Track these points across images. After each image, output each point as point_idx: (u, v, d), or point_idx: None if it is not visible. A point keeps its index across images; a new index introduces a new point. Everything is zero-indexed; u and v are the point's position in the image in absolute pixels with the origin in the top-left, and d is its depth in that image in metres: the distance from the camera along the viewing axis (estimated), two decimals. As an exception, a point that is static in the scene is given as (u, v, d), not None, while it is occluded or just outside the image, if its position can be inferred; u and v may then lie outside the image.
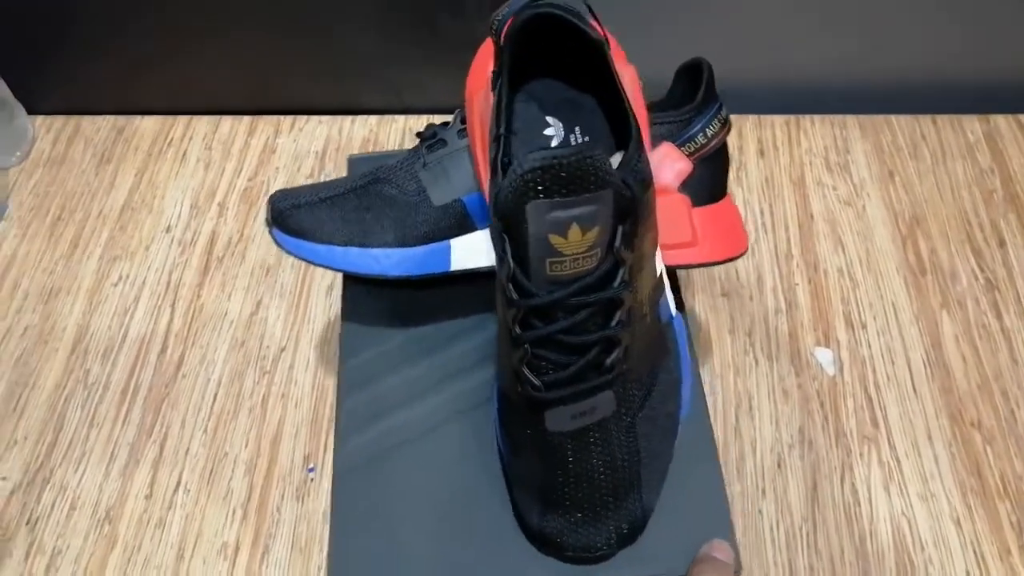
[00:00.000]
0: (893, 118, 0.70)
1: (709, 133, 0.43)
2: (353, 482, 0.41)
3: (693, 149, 0.43)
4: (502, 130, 0.34)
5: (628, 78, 0.38)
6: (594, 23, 0.38)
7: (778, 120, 0.70)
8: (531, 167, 0.29)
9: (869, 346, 0.56)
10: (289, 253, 0.43)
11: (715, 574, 0.37)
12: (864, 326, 0.57)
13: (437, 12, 0.63)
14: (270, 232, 0.44)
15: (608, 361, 0.33)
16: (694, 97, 0.43)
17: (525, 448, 0.37)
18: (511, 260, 0.31)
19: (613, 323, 0.33)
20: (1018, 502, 0.50)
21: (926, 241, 0.62)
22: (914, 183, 0.65)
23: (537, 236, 0.30)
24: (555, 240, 0.30)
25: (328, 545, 0.40)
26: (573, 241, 0.30)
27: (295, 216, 0.43)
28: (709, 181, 0.44)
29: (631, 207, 0.31)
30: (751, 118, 0.70)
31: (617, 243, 0.31)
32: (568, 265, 0.31)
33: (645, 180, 0.32)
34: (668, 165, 0.42)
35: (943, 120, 0.69)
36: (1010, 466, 0.51)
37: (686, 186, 0.43)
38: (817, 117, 0.70)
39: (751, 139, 0.69)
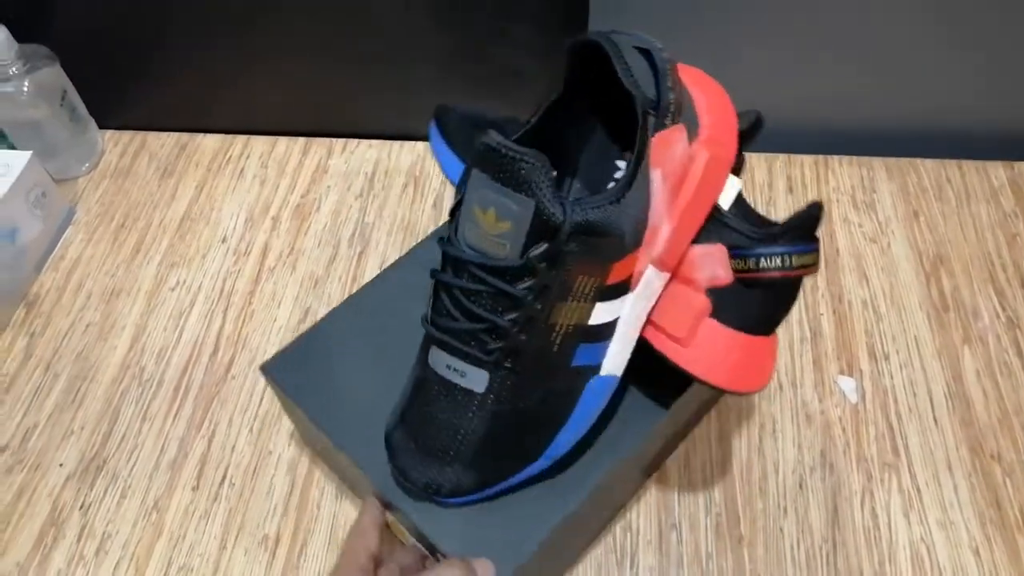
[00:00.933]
0: (919, 161, 0.72)
1: (771, 264, 0.39)
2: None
3: (743, 267, 0.40)
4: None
5: (706, 99, 0.41)
6: (654, 60, 0.40)
7: (807, 159, 0.73)
8: (485, 143, 0.34)
9: (891, 377, 0.58)
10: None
11: (454, 571, 0.37)
12: (887, 357, 0.59)
13: (487, 43, 0.67)
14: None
15: (491, 347, 0.37)
16: (799, 227, 0.40)
17: (417, 362, 0.41)
18: (455, 205, 0.36)
19: (507, 318, 0.36)
20: (1036, 533, 0.51)
21: (949, 279, 0.64)
22: (938, 223, 0.67)
23: (468, 199, 0.35)
24: (476, 211, 0.35)
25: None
26: (488, 222, 0.34)
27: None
28: (749, 307, 0.40)
29: (550, 233, 0.34)
30: (782, 156, 0.73)
31: (533, 253, 0.34)
32: (481, 239, 0.35)
33: (601, 233, 0.35)
34: (707, 264, 0.40)
35: (968, 165, 0.71)
36: (1029, 499, 0.52)
37: (719, 296, 0.40)
38: (845, 158, 0.73)
39: (781, 176, 0.71)
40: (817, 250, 0.41)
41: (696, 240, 0.41)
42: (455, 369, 0.38)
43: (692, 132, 0.39)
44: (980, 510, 0.52)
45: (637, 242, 0.37)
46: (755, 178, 0.71)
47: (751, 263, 0.39)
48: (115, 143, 0.76)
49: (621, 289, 0.38)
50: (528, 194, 0.33)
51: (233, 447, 0.57)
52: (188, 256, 0.68)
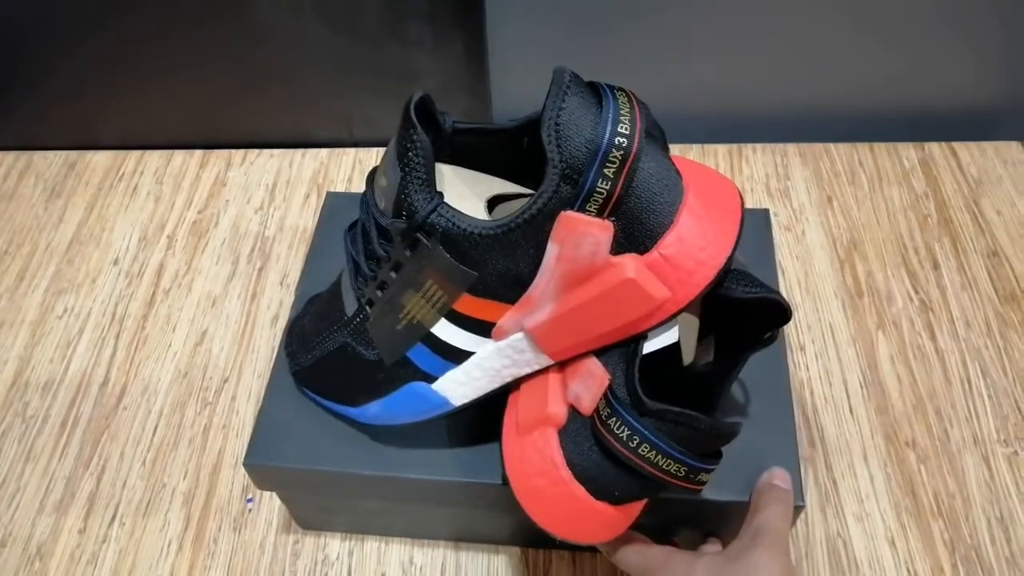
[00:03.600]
0: (832, 146, 0.71)
1: (651, 457, 0.34)
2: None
3: (610, 433, 0.34)
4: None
5: (702, 227, 0.34)
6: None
7: (721, 148, 0.72)
8: (413, 101, 0.34)
9: (807, 368, 0.57)
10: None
11: (778, 504, 0.38)
12: (803, 348, 0.58)
13: (382, 44, 0.65)
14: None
15: (360, 285, 0.39)
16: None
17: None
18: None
19: (370, 267, 0.38)
20: (950, 520, 0.50)
21: (863, 264, 0.63)
22: (852, 208, 0.67)
23: (390, 145, 0.35)
24: (385, 158, 0.36)
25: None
26: (382, 171, 0.36)
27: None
28: (597, 469, 0.35)
29: (408, 215, 0.34)
30: (695, 147, 0.72)
31: (396, 223, 0.35)
32: (378, 187, 0.36)
33: (456, 253, 0.34)
34: (581, 381, 0.36)
35: (880, 147, 0.71)
36: (943, 485, 0.51)
37: (576, 424, 0.36)
38: (759, 145, 0.72)
39: (695, 168, 0.70)
40: (712, 471, 0.36)
41: (604, 354, 0.36)
42: (345, 285, 0.41)
43: (644, 241, 0.33)
44: (896, 500, 0.51)
45: (502, 296, 0.35)
46: (668, 170, 0.70)
47: (625, 437, 0.33)
48: (-1, 164, 0.72)
49: (476, 327, 0.36)
50: (402, 169, 0.34)
51: (124, 483, 0.53)
52: (77, 281, 0.64)
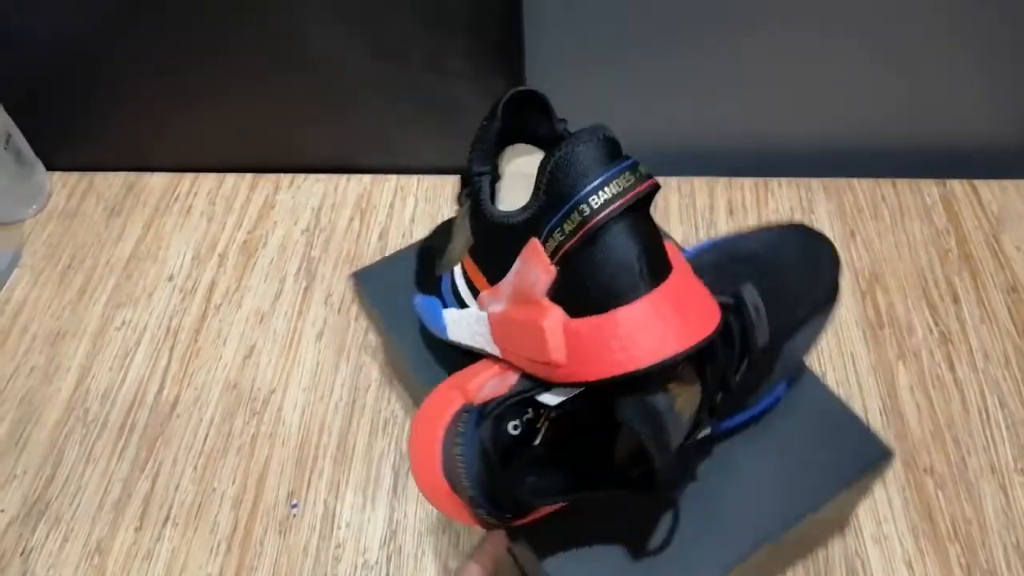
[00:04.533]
0: (855, 181, 0.74)
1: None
2: None
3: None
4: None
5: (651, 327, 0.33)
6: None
7: (747, 182, 0.74)
8: (497, 101, 0.41)
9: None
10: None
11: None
12: (824, 375, 0.60)
13: (425, 76, 0.69)
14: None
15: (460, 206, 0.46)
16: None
17: None
18: None
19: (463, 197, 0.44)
20: (967, 545, 0.52)
21: (884, 296, 0.65)
22: (874, 241, 0.69)
23: None
24: None
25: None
26: None
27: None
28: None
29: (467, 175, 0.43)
30: (722, 180, 0.74)
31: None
32: None
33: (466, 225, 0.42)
34: (487, 381, 0.40)
35: (902, 183, 0.73)
36: (961, 511, 0.53)
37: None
38: (784, 179, 0.74)
39: (722, 199, 0.73)
40: None
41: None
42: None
43: (587, 305, 0.33)
44: (913, 523, 0.53)
45: (487, 274, 0.40)
46: (696, 202, 0.73)
47: (458, 439, 0.37)
48: (63, 184, 0.77)
49: (470, 287, 0.42)
50: (474, 140, 0.42)
51: (177, 486, 0.57)
52: (135, 295, 0.68)
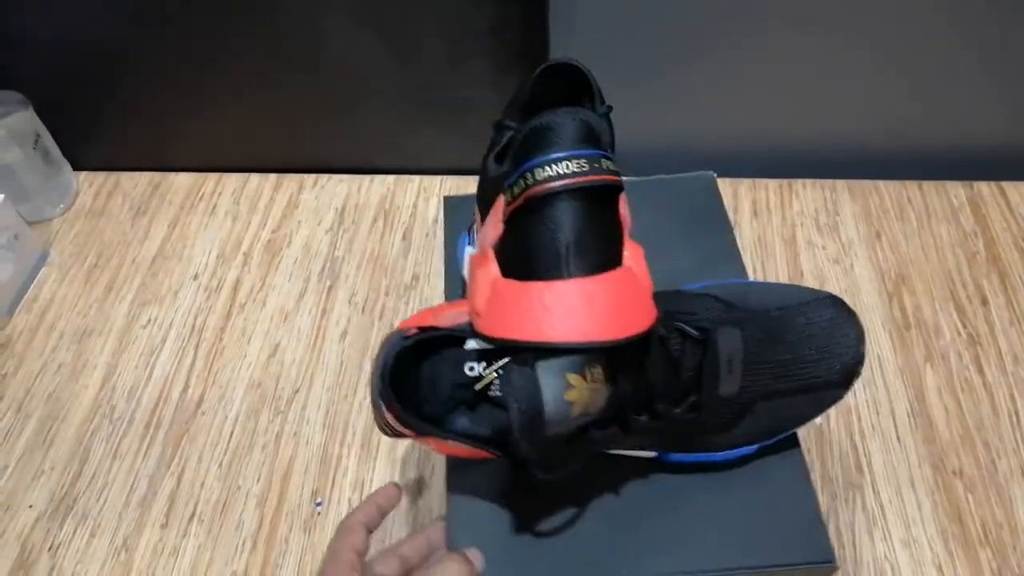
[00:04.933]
0: (881, 183, 0.73)
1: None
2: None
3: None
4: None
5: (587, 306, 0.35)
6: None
7: (772, 183, 0.74)
8: (532, 73, 0.41)
9: (855, 396, 0.59)
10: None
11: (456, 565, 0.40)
12: (850, 378, 0.60)
13: (447, 79, 0.69)
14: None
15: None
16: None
17: None
18: None
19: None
20: (998, 549, 0.51)
21: (911, 298, 0.65)
22: (900, 243, 0.68)
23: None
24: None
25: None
26: None
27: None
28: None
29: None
30: (746, 181, 0.74)
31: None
32: None
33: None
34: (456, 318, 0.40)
35: (928, 185, 0.73)
36: (991, 514, 0.52)
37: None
38: (809, 181, 0.74)
39: (746, 200, 0.73)
40: None
41: None
42: None
43: (523, 270, 0.36)
44: (943, 527, 0.52)
45: (480, 217, 0.42)
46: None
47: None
48: (90, 184, 0.77)
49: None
50: (510, 100, 0.43)
51: (202, 483, 0.57)
52: (160, 294, 0.68)
